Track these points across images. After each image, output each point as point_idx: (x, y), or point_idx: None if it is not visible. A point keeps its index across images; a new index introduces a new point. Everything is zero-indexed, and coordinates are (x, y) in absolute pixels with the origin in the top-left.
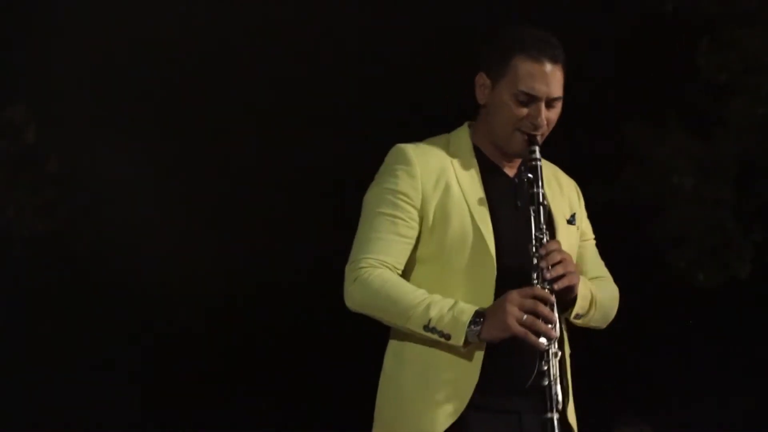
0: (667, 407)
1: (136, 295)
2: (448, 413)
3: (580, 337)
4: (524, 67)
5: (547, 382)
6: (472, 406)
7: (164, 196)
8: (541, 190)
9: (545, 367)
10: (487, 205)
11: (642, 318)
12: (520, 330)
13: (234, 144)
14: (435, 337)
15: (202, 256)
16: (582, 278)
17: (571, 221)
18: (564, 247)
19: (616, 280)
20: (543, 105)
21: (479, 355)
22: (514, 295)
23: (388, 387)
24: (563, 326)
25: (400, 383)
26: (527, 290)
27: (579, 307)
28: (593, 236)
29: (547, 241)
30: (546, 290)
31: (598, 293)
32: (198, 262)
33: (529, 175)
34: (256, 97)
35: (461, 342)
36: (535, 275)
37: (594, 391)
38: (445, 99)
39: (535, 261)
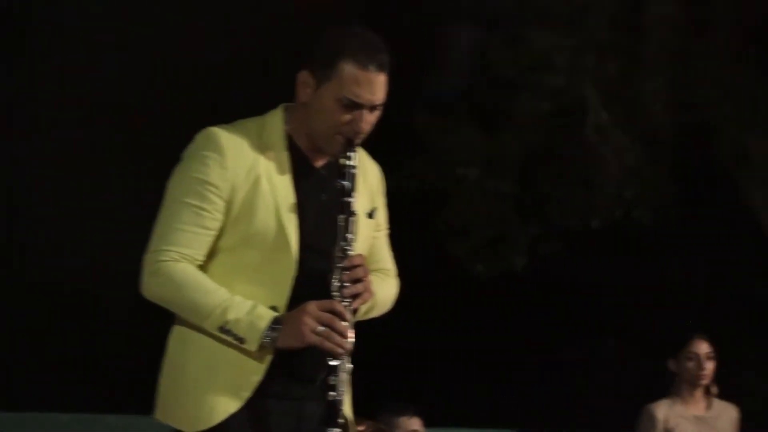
0: (438, 394)
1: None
2: (231, 401)
3: (358, 323)
4: (350, 73)
5: (333, 397)
6: (255, 391)
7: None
8: (353, 199)
9: (333, 381)
10: (294, 201)
11: (422, 308)
12: (315, 339)
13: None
14: (230, 339)
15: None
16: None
17: (370, 215)
18: (360, 241)
19: (399, 268)
20: (366, 111)
21: (269, 350)
22: (313, 307)
23: (172, 373)
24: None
25: (185, 369)
26: (326, 303)
27: (359, 312)
28: (387, 227)
29: (352, 254)
30: (344, 305)
31: (377, 294)
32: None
33: (343, 183)
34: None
35: (255, 347)
36: (335, 288)
37: (367, 376)
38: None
39: (337, 273)
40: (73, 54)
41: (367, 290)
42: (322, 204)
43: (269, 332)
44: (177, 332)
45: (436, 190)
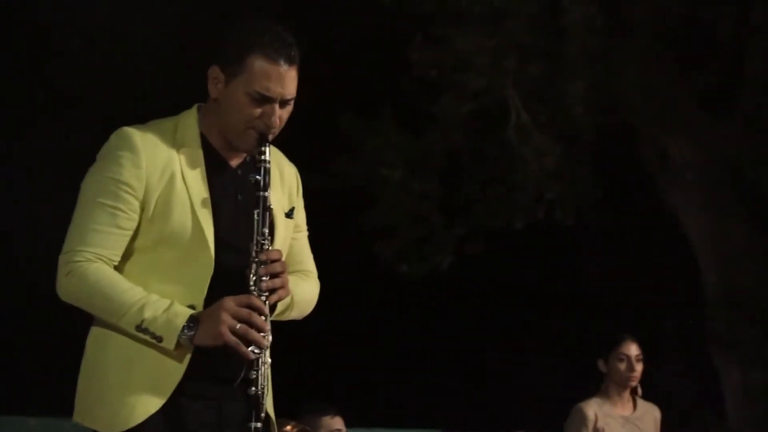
0: (361, 394)
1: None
2: (150, 402)
3: (280, 323)
4: (260, 66)
5: (254, 392)
6: (174, 392)
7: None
8: (267, 193)
9: (253, 376)
10: (209, 200)
11: (348, 307)
12: (231, 340)
13: None
14: (147, 338)
15: None
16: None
17: (289, 215)
18: (279, 240)
19: (324, 269)
20: (277, 105)
21: (187, 349)
22: (230, 303)
23: (90, 374)
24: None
25: (103, 371)
26: (243, 299)
27: (277, 310)
28: (306, 228)
29: (269, 248)
30: (261, 299)
31: (297, 294)
32: None
33: (257, 177)
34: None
35: (173, 345)
36: (252, 282)
37: (289, 377)
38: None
39: (254, 267)
40: (76, 53)
41: (285, 286)
42: (238, 203)
43: (186, 330)
44: (94, 333)
45: (361, 190)
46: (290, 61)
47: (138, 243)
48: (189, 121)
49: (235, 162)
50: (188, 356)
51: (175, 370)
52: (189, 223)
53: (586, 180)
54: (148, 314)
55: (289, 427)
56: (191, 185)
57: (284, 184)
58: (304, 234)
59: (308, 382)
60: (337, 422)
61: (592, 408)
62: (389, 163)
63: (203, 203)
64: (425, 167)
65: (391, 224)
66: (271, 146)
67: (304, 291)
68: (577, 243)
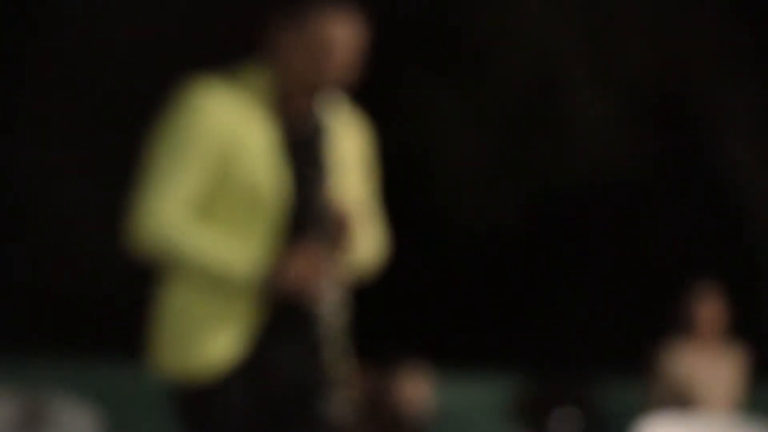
0: (445, 344)
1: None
2: (221, 349)
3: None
4: (326, 17)
5: (320, 343)
6: (245, 340)
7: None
8: (332, 146)
9: (320, 328)
10: (276, 153)
11: (415, 261)
12: (298, 291)
13: None
14: (216, 287)
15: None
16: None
17: (357, 167)
18: (346, 193)
19: (388, 225)
20: (341, 58)
21: (255, 300)
22: (297, 256)
23: (162, 323)
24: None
25: (174, 319)
26: (310, 251)
27: (352, 264)
28: (375, 180)
29: (334, 202)
30: (328, 252)
31: (367, 248)
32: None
33: (323, 131)
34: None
35: (242, 295)
36: (319, 235)
37: (373, 326)
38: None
39: (320, 220)
40: (78, 53)
41: (351, 233)
42: (304, 156)
43: (255, 281)
44: (165, 282)
45: (420, 149)
46: (353, 14)
47: (206, 196)
48: (257, 73)
49: (300, 116)
50: (257, 307)
51: (244, 320)
52: (256, 177)
53: (643, 135)
54: (216, 264)
55: (362, 378)
56: (257, 140)
57: (353, 135)
58: (371, 187)
59: (392, 332)
60: (419, 370)
61: (677, 349)
62: (448, 120)
63: (269, 157)
64: (484, 124)
65: (450, 182)
66: (339, 99)
67: (371, 244)
68: (634, 199)
